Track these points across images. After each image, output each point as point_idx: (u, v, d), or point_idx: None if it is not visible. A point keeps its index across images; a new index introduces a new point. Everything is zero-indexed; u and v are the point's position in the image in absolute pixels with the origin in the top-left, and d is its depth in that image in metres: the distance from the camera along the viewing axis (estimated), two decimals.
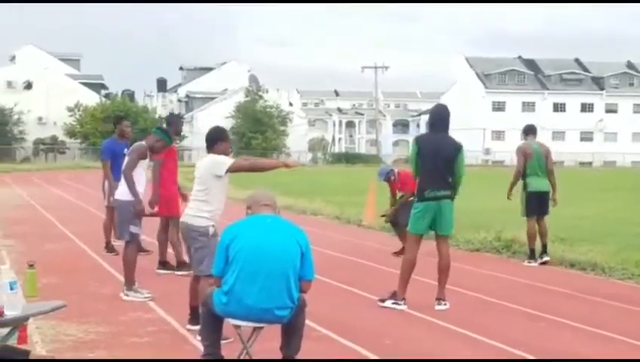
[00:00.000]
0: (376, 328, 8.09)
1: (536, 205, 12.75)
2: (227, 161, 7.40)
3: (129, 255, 9.26)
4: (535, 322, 8.60)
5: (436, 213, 9.14)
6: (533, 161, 12.77)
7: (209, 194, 7.35)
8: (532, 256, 12.82)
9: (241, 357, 5.90)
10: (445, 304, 9.14)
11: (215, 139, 7.63)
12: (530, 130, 13.24)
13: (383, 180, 13.51)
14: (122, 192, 9.30)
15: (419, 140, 9.47)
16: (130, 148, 9.55)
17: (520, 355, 7.08)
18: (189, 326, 7.55)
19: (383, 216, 14.41)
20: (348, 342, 7.38)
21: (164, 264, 11.25)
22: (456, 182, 9.23)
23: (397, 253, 12.88)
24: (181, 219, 7.71)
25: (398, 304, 9.04)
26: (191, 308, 7.65)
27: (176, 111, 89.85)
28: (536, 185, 12.74)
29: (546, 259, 12.56)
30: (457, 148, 9.27)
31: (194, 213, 7.39)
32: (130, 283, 9.27)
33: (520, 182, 13.02)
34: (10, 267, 4.49)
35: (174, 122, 11.69)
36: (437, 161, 9.12)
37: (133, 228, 9.21)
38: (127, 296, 9.21)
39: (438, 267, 9.31)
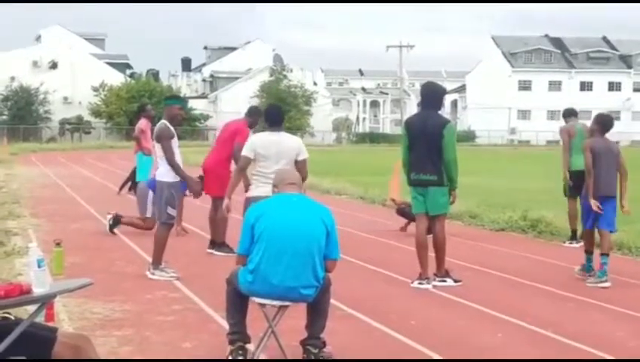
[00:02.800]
0: (402, 308, 8.08)
1: (578, 184, 12.49)
2: None
3: (161, 235, 9.27)
4: (563, 302, 8.55)
5: (423, 196, 9.11)
6: (577, 140, 12.50)
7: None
8: (573, 236, 12.65)
9: (267, 336, 5.90)
10: (444, 280, 9.14)
11: (283, 118, 8.58)
12: (570, 113, 13.11)
13: None
14: (162, 173, 9.27)
15: (407, 123, 9.40)
16: (156, 133, 9.35)
17: (549, 336, 7.03)
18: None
19: (392, 199, 14.85)
20: (373, 322, 7.37)
21: (214, 243, 11.18)
22: (448, 169, 9.01)
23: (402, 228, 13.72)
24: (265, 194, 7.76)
25: (422, 283, 9.08)
26: None
27: (200, 91, 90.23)
28: (579, 163, 12.51)
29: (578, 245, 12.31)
30: (443, 124, 9.09)
31: None
32: (157, 263, 9.30)
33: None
34: (37, 245, 4.49)
35: (255, 114, 10.93)
36: (423, 141, 8.97)
37: (170, 210, 9.24)
38: (153, 274, 9.24)
39: (432, 244, 9.26)
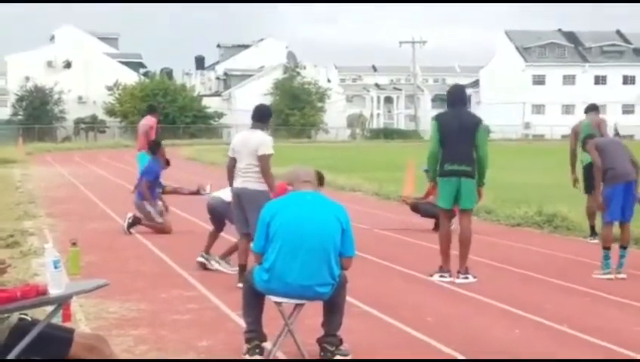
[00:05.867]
0: (417, 304, 8.07)
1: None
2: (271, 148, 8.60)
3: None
4: (580, 297, 8.51)
5: (455, 189, 9.14)
6: (582, 135, 12.50)
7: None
8: (593, 232, 12.58)
9: (283, 334, 5.90)
10: (467, 277, 9.14)
11: (269, 116, 8.96)
12: (588, 109, 13.21)
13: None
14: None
15: (439, 117, 9.50)
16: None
17: (566, 331, 7.01)
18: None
19: (404, 199, 14.81)
20: (389, 319, 7.36)
21: None
22: (481, 165, 9.18)
23: (434, 229, 13.04)
24: (242, 186, 8.54)
25: (444, 276, 9.13)
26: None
27: (214, 89, 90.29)
28: (588, 157, 12.45)
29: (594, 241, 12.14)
30: (477, 121, 9.37)
31: (255, 180, 8.53)
32: (225, 255, 9.66)
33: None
34: (53, 245, 4.50)
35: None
36: (458, 133, 9.12)
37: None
38: (219, 264, 9.60)
39: (458, 240, 9.32)
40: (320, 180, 8.94)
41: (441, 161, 9.22)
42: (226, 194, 9.50)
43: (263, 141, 8.63)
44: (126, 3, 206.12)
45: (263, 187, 8.54)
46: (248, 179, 8.59)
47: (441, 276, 9.15)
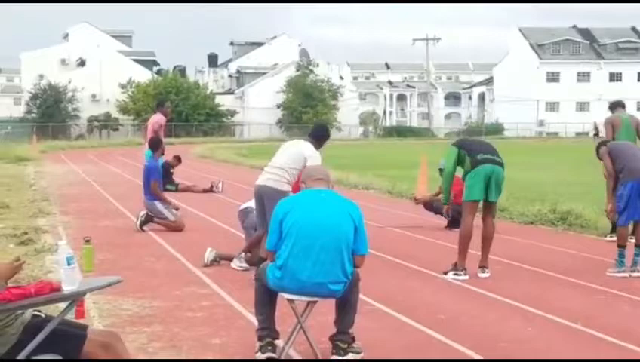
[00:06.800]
0: (431, 302, 8.06)
1: None
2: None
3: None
4: (594, 295, 8.48)
5: (489, 177, 9.15)
6: (622, 132, 12.13)
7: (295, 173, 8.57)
8: (614, 230, 12.46)
9: (295, 331, 5.91)
10: (488, 272, 9.22)
11: (326, 138, 9.09)
12: (616, 105, 12.83)
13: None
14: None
15: (460, 143, 9.64)
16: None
17: (579, 329, 6.98)
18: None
19: (415, 198, 14.72)
20: (402, 316, 7.36)
21: None
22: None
23: (447, 227, 13.00)
24: (263, 183, 8.70)
25: (459, 274, 9.11)
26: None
27: (226, 87, 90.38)
28: None
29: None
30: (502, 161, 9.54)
31: (279, 179, 8.62)
32: (245, 251, 9.65)
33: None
34: (67, 242, 4.52)
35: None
36: (485, 144, 9.64)
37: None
38: (240, 261, 9.57)
39: (481, 235, 9.36)
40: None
41: (472, 156, 9.22)
42: (254, 203, 9.48)
43: (312, 153, 8.63)
44: (140, 3, 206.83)
45: (286, 188, 8.57)
46: (273, 178, 8.69)
47: (455, 274, 9.12)
